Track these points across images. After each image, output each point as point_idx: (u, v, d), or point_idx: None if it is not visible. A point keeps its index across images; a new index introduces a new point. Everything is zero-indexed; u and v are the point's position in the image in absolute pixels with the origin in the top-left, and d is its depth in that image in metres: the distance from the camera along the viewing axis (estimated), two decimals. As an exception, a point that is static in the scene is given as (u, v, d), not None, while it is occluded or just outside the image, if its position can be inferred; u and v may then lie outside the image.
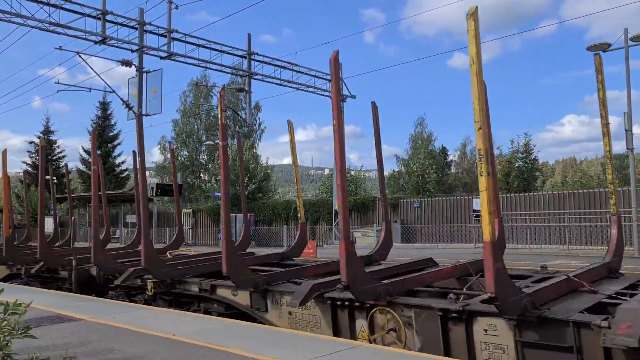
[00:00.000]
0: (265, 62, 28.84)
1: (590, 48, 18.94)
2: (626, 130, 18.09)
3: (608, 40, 18.81)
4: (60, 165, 58.16)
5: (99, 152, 53.68)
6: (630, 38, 18.09)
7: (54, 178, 41.49)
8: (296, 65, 29.60)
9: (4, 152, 12.26)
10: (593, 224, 22.78)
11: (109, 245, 15.57)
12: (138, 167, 9.55)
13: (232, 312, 7.75)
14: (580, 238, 22.76)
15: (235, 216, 36.16)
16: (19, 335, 3.56)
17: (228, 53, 27.16)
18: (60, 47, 22.88)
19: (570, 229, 23.05)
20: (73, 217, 15.73)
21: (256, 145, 53.92)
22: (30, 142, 58.24)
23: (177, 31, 24.58)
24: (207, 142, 45.50)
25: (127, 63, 23.51)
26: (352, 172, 48.82)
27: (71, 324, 6.39)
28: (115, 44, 23.07)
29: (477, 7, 4.40)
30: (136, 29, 23.42)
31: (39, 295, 9.22)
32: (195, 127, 59.02)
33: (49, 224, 39.22)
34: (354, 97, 31.82)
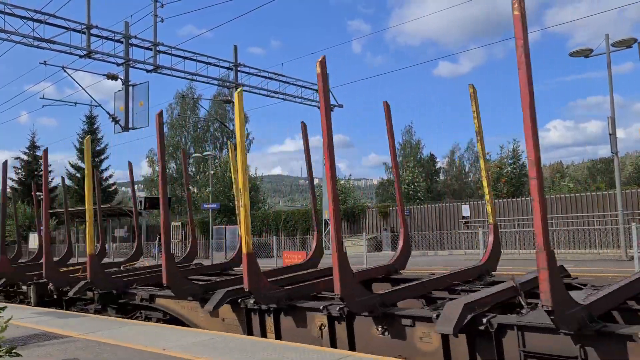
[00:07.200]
0: (252, 74, 28.85)
1: (572, 54, 19.18)
2: (610, 135, 18.29)
3: (590, 46, 19.05)
4: (49, 180, 57.53)
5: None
6: (611, 44, 18.33)
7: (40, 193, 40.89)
8: (283, 75, 29.65)
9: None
10: (581, 227, 22.96)
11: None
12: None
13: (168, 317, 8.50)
14: (568, 242, 22.92)
15: (225, 227, 36.02)
16: (2, 352, 3.47)
17: (215, 65, 27.14)
18: (45, 61, 22.74)
19: (558, 233, 23.22)
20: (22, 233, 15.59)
21: (245, 156, 53.72)
22: (16, 158, 57.64)
23: (163, 44, 24.54)
24: (194, 155, 45.31)
25: (113, 77, 23.38)
26: (342, 181, 48.83)
27: (58, 341, 6.30)
28: (101, 58, 22.95)
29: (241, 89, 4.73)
30: (122, 42, 23.34)
31: (24, 312, 9.08)
32: (182, 139, 58.83)
33: (36, 240, 38.55)
34: (341, 106, 31.93)
